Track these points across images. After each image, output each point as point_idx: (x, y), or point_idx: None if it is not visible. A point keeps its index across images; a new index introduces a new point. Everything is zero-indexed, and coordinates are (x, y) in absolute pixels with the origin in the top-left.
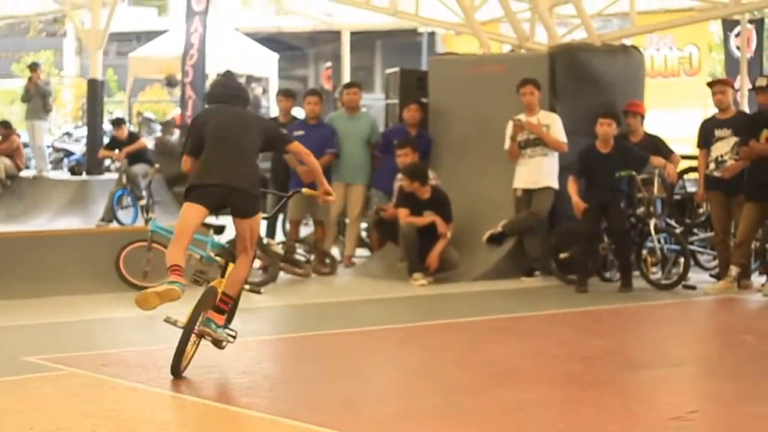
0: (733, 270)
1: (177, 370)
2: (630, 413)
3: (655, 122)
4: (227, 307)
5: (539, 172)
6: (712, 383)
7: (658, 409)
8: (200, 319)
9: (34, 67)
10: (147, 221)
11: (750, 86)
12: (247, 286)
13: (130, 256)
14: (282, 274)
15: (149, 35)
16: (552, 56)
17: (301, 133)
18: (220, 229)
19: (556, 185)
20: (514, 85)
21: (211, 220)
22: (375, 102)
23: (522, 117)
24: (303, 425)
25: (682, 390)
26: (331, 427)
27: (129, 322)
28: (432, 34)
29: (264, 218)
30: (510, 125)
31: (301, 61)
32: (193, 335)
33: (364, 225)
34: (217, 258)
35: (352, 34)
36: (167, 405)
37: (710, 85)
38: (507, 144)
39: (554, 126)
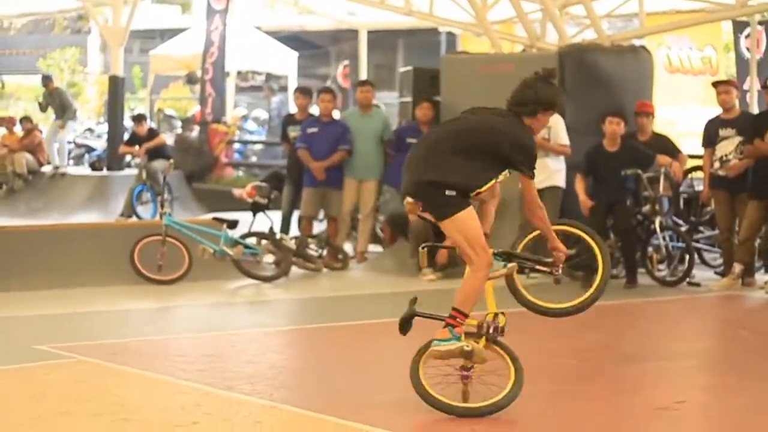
0: (737, 267)
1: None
2: (618, 403)
3: (687, 117)
4: (454, 320)
5: (544, 171)
6: (703, 376)
7: (646, 400)
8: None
9: (45, 81)
10: (161, 216)
11: (759, 86)
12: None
13: (145, 249)
14: (294, 269)
15: (173, 33)
16: (561, 56)
17: (315, 129)
18: (233, 224)
19: (562, 184)
20: None
21: (227, 215)
22: (395, 100)
23: None
24: (302, 412)
25: (673, 382)
26: (330, 414)
27: (142, 313)
28: (451, 34)
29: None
30: None
31: (322, 60)
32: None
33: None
34: (230, 252)
35: (375, 33)
36: (170, 391)
37: (714, 85)
38: None
39: (556, 127)
